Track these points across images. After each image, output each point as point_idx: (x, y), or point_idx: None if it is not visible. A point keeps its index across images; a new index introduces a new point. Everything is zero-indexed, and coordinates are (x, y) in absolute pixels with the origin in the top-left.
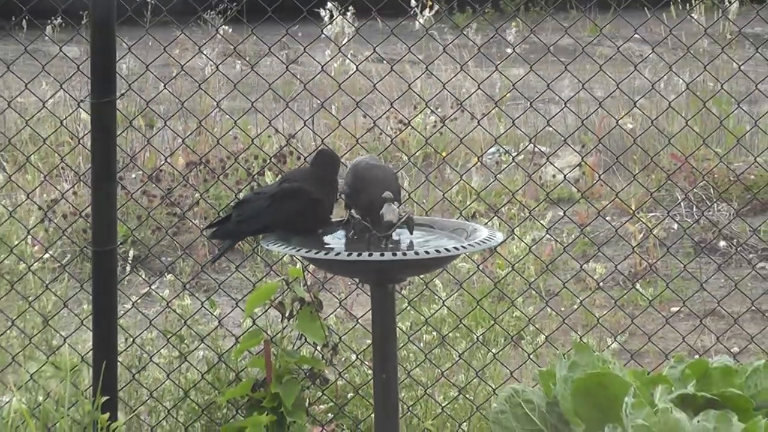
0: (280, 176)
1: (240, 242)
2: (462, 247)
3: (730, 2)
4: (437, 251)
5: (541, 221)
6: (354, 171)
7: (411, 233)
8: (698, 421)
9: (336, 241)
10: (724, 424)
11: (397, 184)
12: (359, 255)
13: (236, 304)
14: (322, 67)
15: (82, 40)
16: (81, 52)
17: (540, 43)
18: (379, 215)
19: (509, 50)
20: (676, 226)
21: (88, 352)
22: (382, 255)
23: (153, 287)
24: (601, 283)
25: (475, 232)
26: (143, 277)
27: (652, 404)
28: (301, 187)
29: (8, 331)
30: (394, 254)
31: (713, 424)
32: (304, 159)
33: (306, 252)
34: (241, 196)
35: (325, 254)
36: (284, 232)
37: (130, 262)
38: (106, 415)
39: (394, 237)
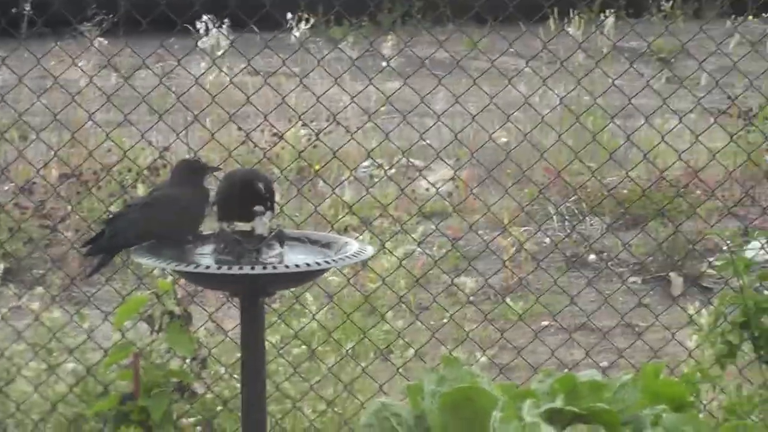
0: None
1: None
2: (332, 260)
3: (606, 16)
4: (307, 265)
5: (413, 235)
6: (226, 182)
7: (282, 246)
8: None
9: (206, 254)
10: None
11: (272, 195)
12: (229, 268)
13: (106, 317)
14: (196, 79)
15: None
16: None
17: (414, 57)
18: (250, 228)
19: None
20: (548, 240)
21: None
22: (252, 268)
23: (23, 300)
24: (471, 297)
25: (346, 245)
26: (13, 289)
27: (519, 418)
28: (168, 196)
29: None
30: (264, 268)
31: None
32: None
33: (175, 265)
34: (113, 208)
35: (195, 268)
36: (155, 243)
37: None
38: None
39: (265, 250)
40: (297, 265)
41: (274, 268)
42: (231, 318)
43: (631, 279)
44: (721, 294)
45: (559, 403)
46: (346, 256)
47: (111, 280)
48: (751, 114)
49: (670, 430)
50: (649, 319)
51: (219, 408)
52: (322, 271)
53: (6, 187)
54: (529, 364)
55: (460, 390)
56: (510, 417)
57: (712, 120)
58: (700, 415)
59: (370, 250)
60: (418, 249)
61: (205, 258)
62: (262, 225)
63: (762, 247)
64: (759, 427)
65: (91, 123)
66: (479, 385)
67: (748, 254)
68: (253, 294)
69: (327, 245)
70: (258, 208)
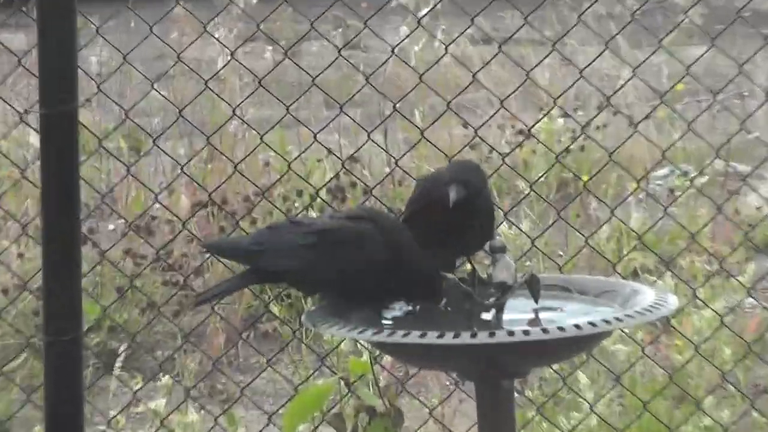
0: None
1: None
2: (616, 319)
3: None
4: (577, 327)
5: (740, 278)
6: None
7: (536, 300)
8: None
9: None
10: None
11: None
12: (456, 335)
13: (269, 418)
14: (393, 50)
15: (29, 22)
16: (28, 42)
17: (728, 7)
18: (486, 273)
19: (681, 18)
20: None
21: None
22: (491, 335)
23: (141, 395)
24: None
25: (636, 295)
26: (127, 381)
27: None
28: (368, 229)
29: None
30: (511, 333)
31: None
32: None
33: (374, 334)
34: None
35: (405, 336)
36: (334, 295)
37: (120, 359)
38: None
39: (510, 306)
40: (560, 328)
41: (525, 333)
42: (465, 415)
43: None
44: None
45: None
46: (636, 312)
47: (276, 362)
48: None
49: None
50: None
51: None
52: (600, 336)
53: (111, 226)
54: None
55: None
56: None
57: None
58: None
59: (672, 302)
60: (750, 299)
61: (418, 321)
62: (505, 268)
63: None
64: None
65: (236, 122)
66: None
67: None
68: (493, 375)
69: (604, 296)
70: (497, 240)
